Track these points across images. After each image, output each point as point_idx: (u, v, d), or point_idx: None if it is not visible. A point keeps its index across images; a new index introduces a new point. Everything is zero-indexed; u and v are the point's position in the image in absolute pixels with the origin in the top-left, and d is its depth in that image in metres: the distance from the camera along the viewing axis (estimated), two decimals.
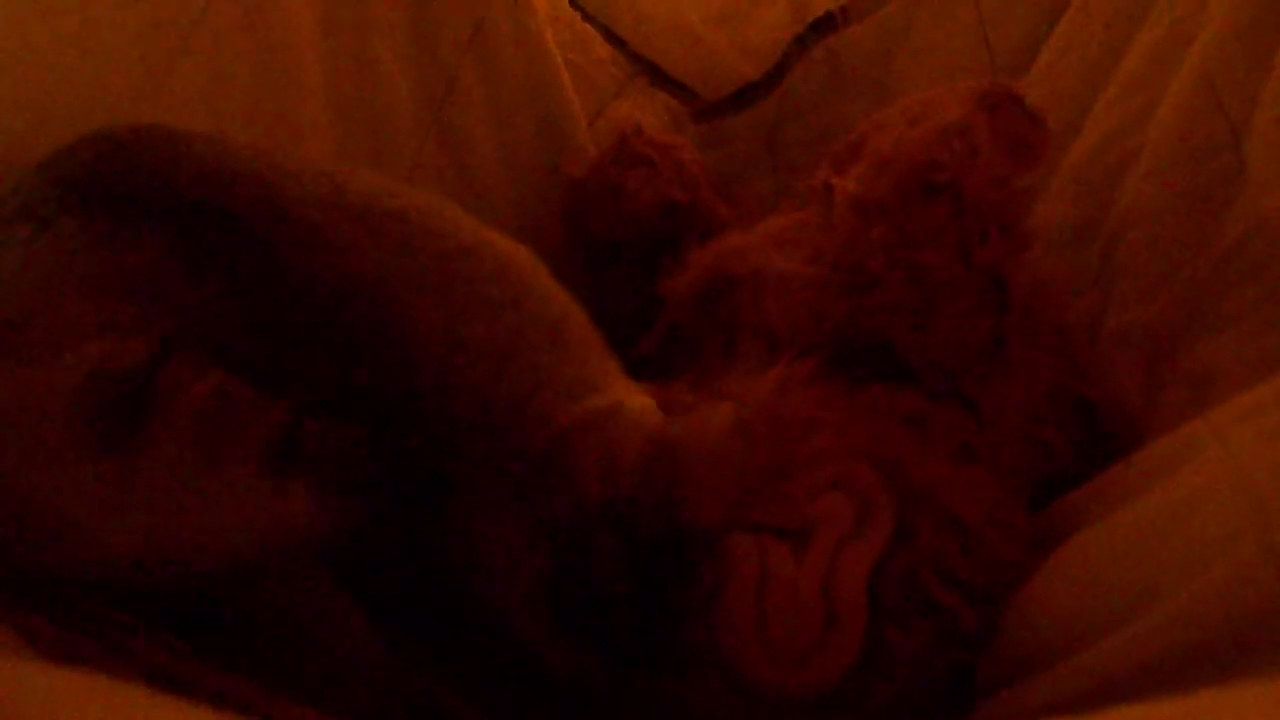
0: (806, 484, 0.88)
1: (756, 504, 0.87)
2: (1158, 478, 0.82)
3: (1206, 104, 1.14)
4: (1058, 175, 1.36)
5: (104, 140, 0.90)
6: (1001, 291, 1.03)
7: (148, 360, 0.73)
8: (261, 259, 0.82)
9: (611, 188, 1.41)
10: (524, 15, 1.59)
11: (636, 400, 0.90)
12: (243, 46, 1.25)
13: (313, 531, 0.76)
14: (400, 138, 1.44)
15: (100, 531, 0.70)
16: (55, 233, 0.80)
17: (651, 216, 1.39)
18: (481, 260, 0.87)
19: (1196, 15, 1.24)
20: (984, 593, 0.88)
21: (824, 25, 1.71)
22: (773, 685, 0.80)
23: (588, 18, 1.75)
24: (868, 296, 1.01)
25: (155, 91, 1.10)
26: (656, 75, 1.76)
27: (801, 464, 0.89)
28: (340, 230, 0.84)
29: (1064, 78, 1.43)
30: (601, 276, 1.46)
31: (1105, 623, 0.74)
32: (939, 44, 1.62)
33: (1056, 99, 1.42)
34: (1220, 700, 0.54)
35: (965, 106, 1.10)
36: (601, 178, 1.44)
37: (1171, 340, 1.09)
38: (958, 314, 1.00)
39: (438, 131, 1.49)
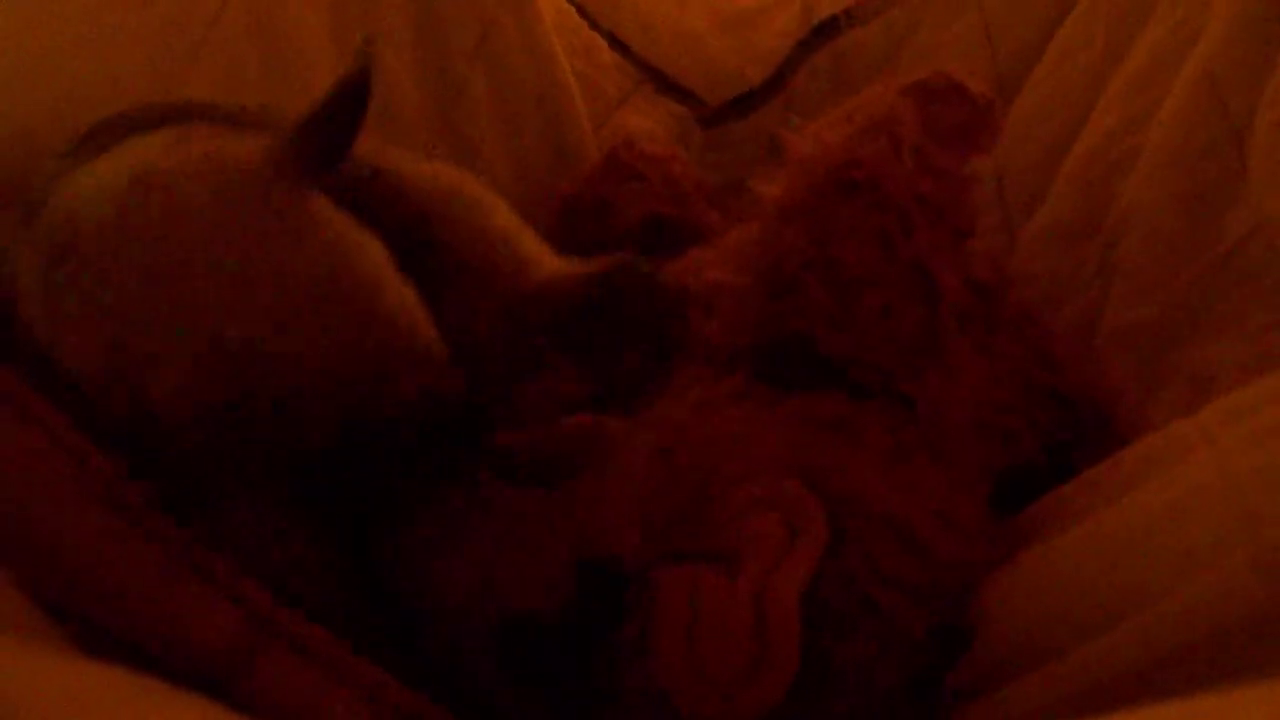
0: (733, 505, 0.87)
1: (684, 532, 0.87)
2: (1146, 477, 0.82)
3: (1209, 105, 1.14)
4: (1060, 174, 1.36)
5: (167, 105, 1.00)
6: (929, 284, 1.00)
7: None
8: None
9: (601, 202, 1.40)
10: (531, 22, 1.61)
11: None
12: (253, 53, 1.27)
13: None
14: (410, 143, 1.45)
15: None
16: None
17: (640, 231, 1.38)
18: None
19: (1199, 16, 1.24)
20: (929, 591, 0.87)
21: (829, 29, 1.71)
22: (711, 715, 0.79)
23: (594, 25, 1.76)
24: (787, 299, 1.00)
25: (167, 95, 1.10)
26: (662, 82, 1.77)
27: (727, 485, 0.89)
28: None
29: (1068, 78, 1.43)
30: None
31: (1092, 626, 0.74)
32: (943, 46, 1.62)
33: (1060, 99, 1.43)
34: (1208, 705, 0.55)
35: (893, 101, 1.08)
36: (592, 192, 1.44)
37: (1170, 340, 1.09)
38: (878, 309, 0.98)
39: (447, 137, 1.50)
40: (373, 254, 0.87)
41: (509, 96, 1.56)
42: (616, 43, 1.76)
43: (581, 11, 1.76)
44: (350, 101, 0.84)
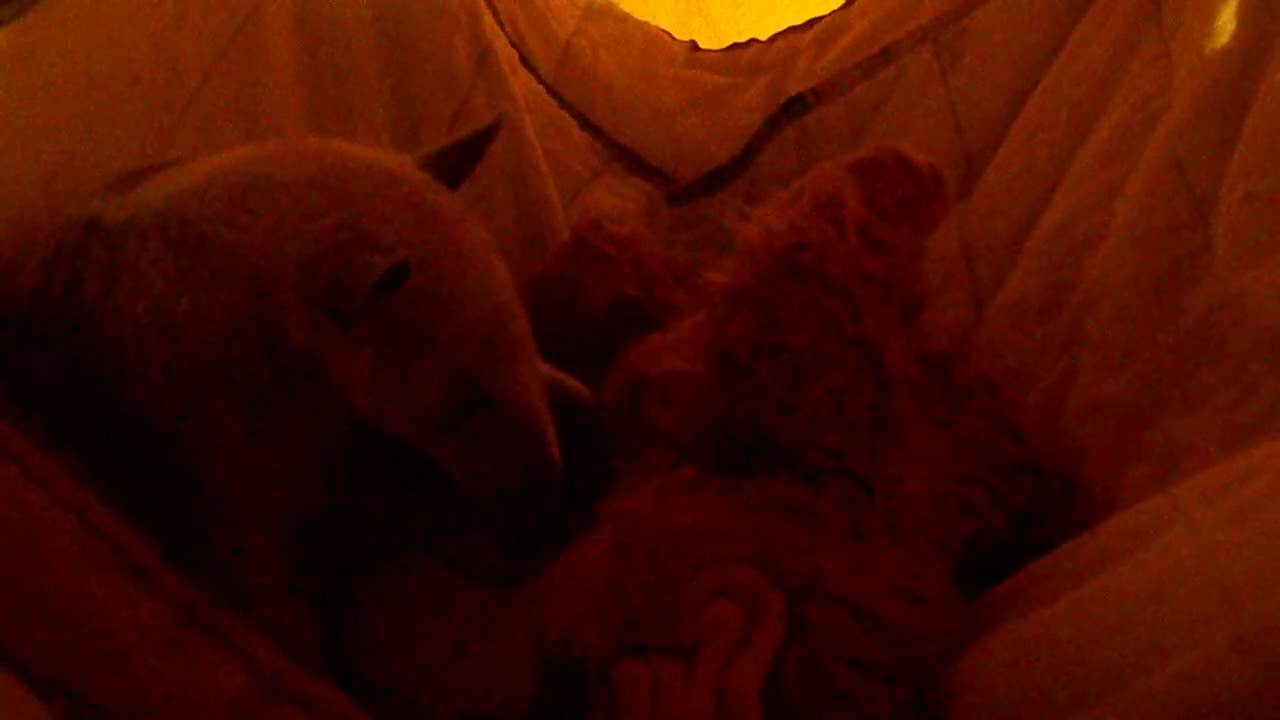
0: (691, 597, 0.88)
1: (643, 625, 0.87)
2: (1123, 554, 0.82)
3: (1173, 182, 1.16)
4: (1026, 249, 1.37)
5: None
6: (879, 363, 1.01)
7: None
8: None
9: (568, 284, 1.40)
10: (503, 101, 1.62)
11: None
12: (231, 130, 1.29)
13: None
14: None
15: None
16: None
17: (606, 313, 1.37)
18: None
19: (1162, 95, 1.26)
20: (894, 670, 0.87)
21: (796, 106, 1.73)
22: None
23: (564, 104, 1.78)
24: (738, 386, 1.01)
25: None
26: (631, 161, 1.79)
27: (684, 577, 0.89)
28: None
29: (1033, 155, 1.45)
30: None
31: (1072, 703, 0.73)
32: (910, 123, 1.63)
33: (1026, 175, 1.44)
34: None
35: (838, 179, 1.09)
36: (559, 273, 1.43)
37: (1139, 415, 1.09)
38: (828, 393, 0.98)
39: None
40: None
41: (480, 174, 1.56)
42: (587, 123, 1.78)
43: (551, 91, 1.78)
44: (480, 143, 1.02)
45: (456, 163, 0.99)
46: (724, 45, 2.01)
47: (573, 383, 1.13)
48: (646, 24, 2.05)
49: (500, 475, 0.91)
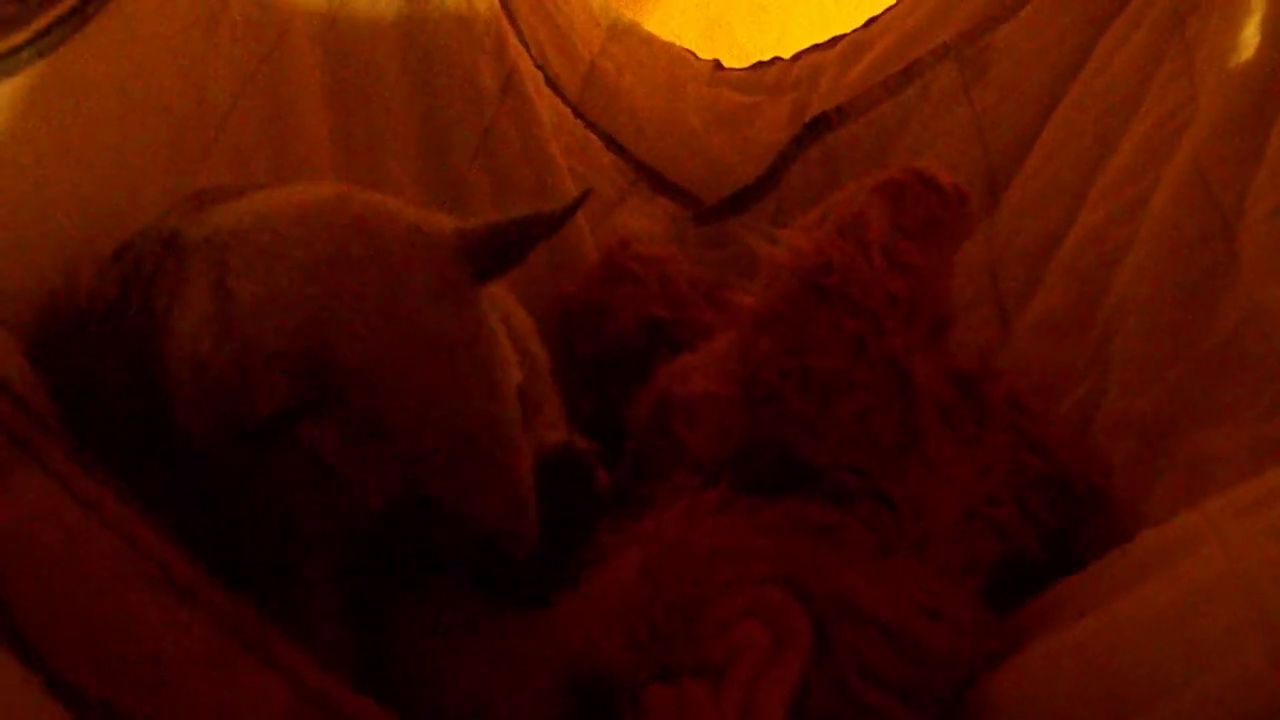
0: (718, 618, 0.88)
1: (671, 646, 0.87)
2: (1155, 570, 0.82)
3: (1198, 196, 1.16)
4: (1053, 265, 1.37)
5: None
6: (905, 383, 1.01)
7: None
8: None
9: (598, 305, 1.40)
10: (529, 123, 1.64)
11: None
12: (261, 155, 1.31)
13: None
14: None
15: None
16: None
17: (635, 333, 1.38)
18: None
19: (1187, 108, 1.26)
20: (920, 689, 0.87)
21: (820, 125, 1.73)
22: None
23: (590, 125, 1.79)
24: (765, 408, 1.01)
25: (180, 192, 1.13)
26: (658, 181, 1.80)
27: (711, 598, 0.89)
28: None
29: (1058, 171, 1.45)
30: (594, 396, 1.44)
31: (1107, 717, 0.74)
32: (935, 140, 1.64)
33: (1051, 191, 1.44)
34: None
35: (863, 200, 1.10)
36: (588, 295, 1.44)
37: (1168, 429, 1.09)
38: (855, 414, 0.99)
39: None
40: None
41: (508, 195, 1.58)
42: (613, 143, 1.79)
43: (578, 112, 1.79)
44: (543, 225, 0.92)
45: (514, 238, 0.92)
46: (748, 64, 2.02)
47: (585, 452, 1.12)
48: (670, 44, 2.06)
49: (458, 561, 0.89)
